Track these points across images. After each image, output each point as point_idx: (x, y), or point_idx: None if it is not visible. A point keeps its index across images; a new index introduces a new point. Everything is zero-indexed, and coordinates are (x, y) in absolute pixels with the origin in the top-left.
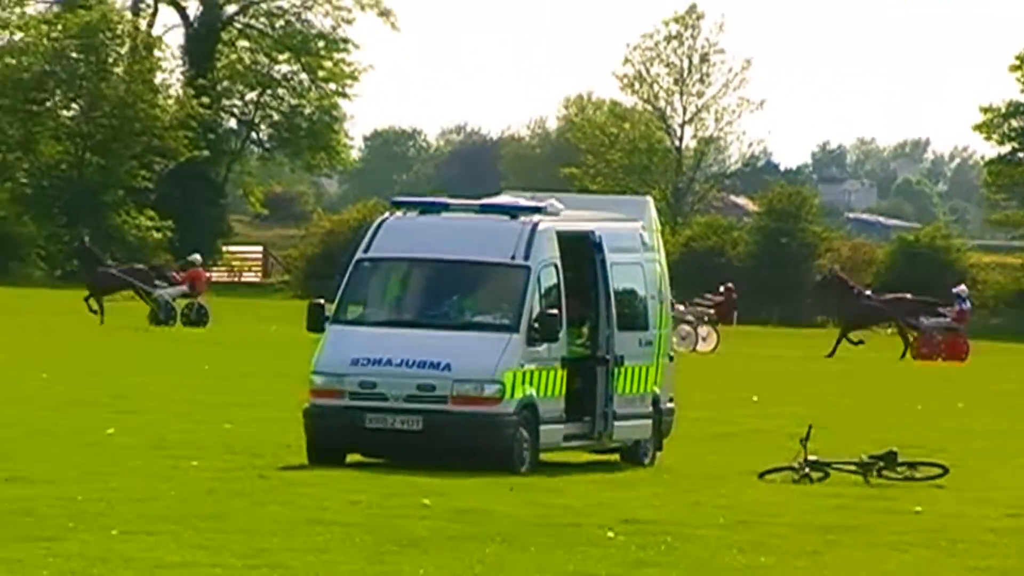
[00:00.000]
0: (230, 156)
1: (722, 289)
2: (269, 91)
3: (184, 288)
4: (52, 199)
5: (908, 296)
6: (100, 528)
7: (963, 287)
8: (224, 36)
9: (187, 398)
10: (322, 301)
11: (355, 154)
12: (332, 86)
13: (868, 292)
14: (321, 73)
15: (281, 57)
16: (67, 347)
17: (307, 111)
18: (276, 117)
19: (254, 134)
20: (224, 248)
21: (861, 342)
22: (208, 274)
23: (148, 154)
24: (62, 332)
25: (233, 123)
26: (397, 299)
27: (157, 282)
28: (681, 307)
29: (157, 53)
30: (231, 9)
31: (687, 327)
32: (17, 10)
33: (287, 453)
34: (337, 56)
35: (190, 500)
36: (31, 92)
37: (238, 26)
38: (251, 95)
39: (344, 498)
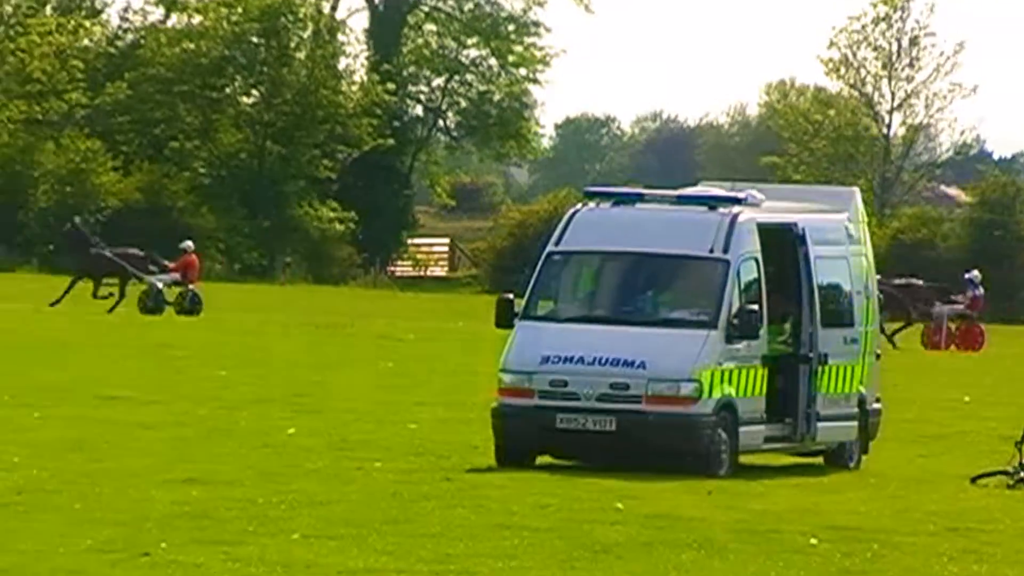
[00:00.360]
0: (416, 145)
1: None
2: (457, 77)
3: (176, 276)
4: (231, 190)
5: (919, 283)
6: (280, 532)
7: (976, 272)
8: (410, 19)
9: (370, 397)
10: (511, 296)
11: (546, 142)
12: (522, 71)
13: (878, 278)
14: (511, 58)
15: (470, 41)
16: (247, 343)
17: (496, 98)
18: (464, 104)
19: (441, 122)
20: (409, 241)
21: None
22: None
23: (331, 143)
24: (241, 328)
25: (419, 110)
26: (590, 294)
27: (151, 268)
28: None
29: (341, 37)
30: None
31: None
32: None
33: (474, 455)
34: (528, 40)
35: (374, 503)
36: (210, 78)
37: (425, 9)
38: (438, 81)
39: (534, 502)
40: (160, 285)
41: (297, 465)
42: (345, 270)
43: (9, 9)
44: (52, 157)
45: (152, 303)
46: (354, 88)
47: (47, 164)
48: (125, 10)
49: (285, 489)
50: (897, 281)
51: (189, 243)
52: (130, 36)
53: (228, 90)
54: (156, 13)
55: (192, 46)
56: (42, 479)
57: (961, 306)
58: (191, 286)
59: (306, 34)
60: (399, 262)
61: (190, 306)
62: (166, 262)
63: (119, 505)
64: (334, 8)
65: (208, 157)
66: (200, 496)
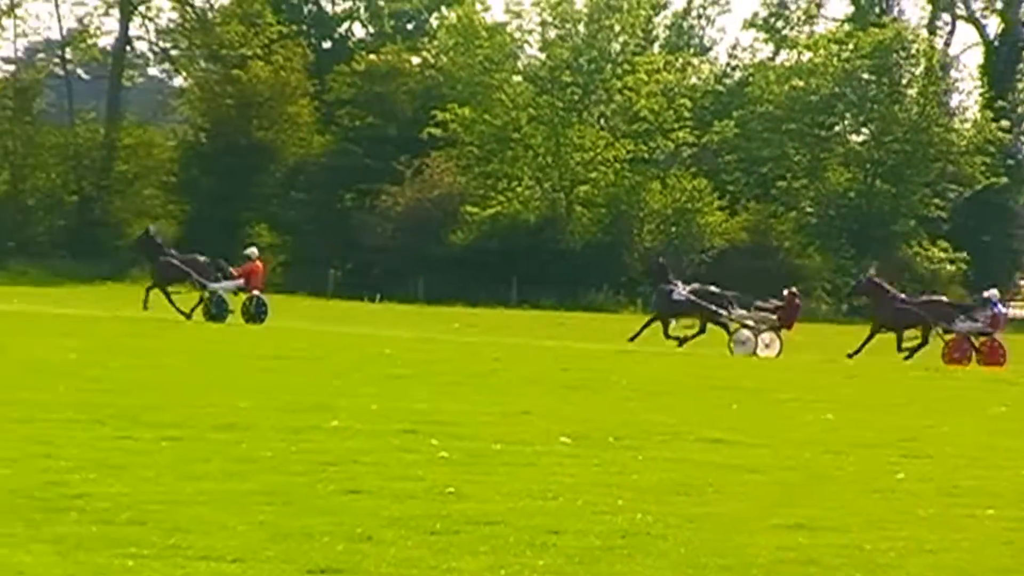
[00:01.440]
0: None
1: (785, 294)
2: None
3: (240, 282)
4: (839, 229)
5: (944, 299)
6: None
7: (994, 291)
8: None
9: (981, 442)
10: None
11: None
12: None
13: (903, 296)
14: None
15: None
16: (850, 386)
17: None
18: None
19: None
20: (1021, 281)
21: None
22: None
23: (941, 181)
24: (845, 371)
25: None
26: None
27: (217, 275)
28: (742, 311)
29: (954, 73)
30: None
31: (747, 332)
32: (806, 29)
33: None
34: None
35: (985, 552)
36: (819, 116)
37: None
38: None
39: None
40: (223, 292)
41: (906, 511)
42: None
43: (617, 47)
44: (658, 197)
45: (215, 310)
46: (967, 125)
47: (653, 204)
48: (733, 47)
49: (894, 536)
50: (923, 298)
51: (253, 250)
52: (738, 74)
53: (837, 128)
54: (765, 50)
55: (801, 83)
56: (646, 522)
57: (981, 323)
58: (255, 292)
59: (918, 71)
60: (1011, 303)
61: (255, 311)
62: (231, 269)
63: (724, 550)
64: (947, 44)
65: (815, 196)
66: (806, 542)
